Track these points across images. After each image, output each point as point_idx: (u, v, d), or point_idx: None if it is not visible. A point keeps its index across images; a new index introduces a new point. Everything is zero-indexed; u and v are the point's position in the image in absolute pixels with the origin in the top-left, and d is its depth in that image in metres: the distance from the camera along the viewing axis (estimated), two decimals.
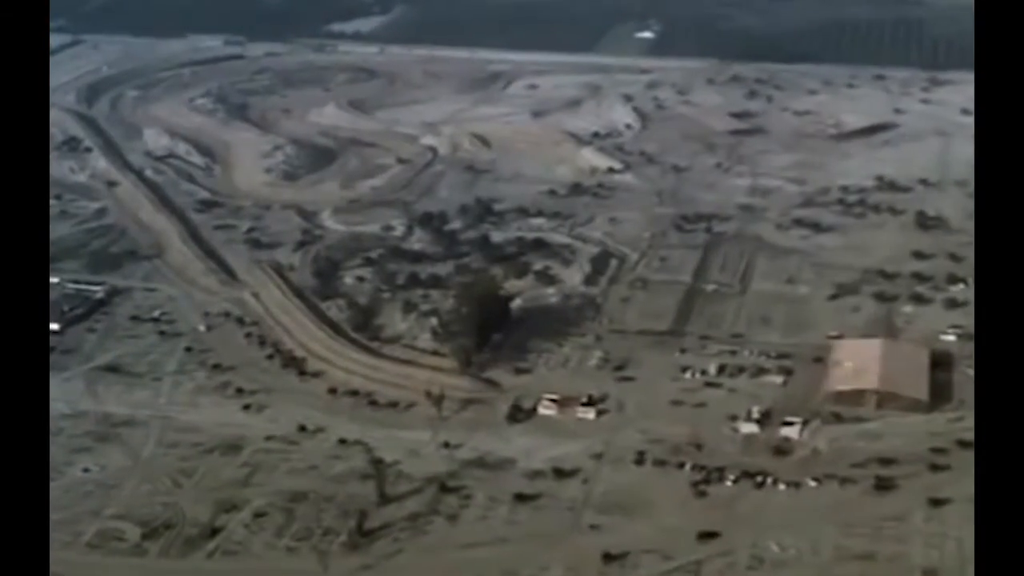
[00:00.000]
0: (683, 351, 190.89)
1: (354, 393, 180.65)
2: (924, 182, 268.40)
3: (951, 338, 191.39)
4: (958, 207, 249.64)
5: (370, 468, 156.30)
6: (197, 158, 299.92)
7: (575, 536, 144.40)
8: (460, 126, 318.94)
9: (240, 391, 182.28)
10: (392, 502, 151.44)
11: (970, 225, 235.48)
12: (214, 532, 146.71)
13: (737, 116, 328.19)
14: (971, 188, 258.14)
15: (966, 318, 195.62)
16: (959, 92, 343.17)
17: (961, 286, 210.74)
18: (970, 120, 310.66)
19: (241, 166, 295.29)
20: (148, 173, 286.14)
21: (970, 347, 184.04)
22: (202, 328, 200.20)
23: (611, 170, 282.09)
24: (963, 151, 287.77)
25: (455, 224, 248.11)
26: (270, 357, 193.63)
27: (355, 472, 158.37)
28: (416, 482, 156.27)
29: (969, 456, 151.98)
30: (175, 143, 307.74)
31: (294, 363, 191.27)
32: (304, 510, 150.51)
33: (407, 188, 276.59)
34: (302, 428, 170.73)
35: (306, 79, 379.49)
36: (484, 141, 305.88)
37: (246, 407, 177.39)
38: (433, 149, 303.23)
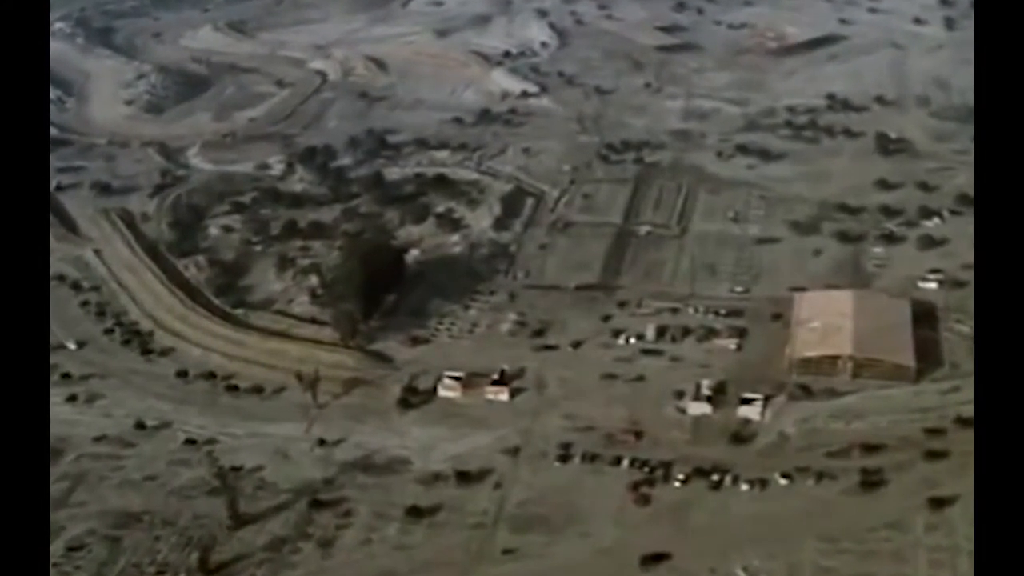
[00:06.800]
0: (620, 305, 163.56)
1: (210, 376, 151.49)
2: (880, 100, 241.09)
3: (932, 285, 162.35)
4: (922, 127, 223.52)
5: (219, 481, 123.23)
6: (49, 90, 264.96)
7: (484, 567, 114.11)
8: (353, 48, 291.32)
9: (67, 377, 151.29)
10: (248, 524, 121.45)
11: (938, 148, 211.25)
12: None
13: (665, 30, 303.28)
14: (934, 107, 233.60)
15: (947, 260, 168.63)
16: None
17: (936, 220, 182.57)
18: (925, 30, 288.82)
19: (99, 98, 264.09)
20: None
21: (955, 296, 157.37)
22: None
23: (525, 94, 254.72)
24: (920, 64, 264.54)
25: (343, 160, 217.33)
26: (109, 331, 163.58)
27: (204, 484, 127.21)
28: (281, 495, 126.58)
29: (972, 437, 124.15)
30: None
31: (138, 338, 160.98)
32: (134, 539, 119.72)
33: (290, 119, 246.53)
34: (140, 425, 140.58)
35: None
36: (380, 64, 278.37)
37: (72, 398, 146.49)
38: (322, 74, 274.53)
